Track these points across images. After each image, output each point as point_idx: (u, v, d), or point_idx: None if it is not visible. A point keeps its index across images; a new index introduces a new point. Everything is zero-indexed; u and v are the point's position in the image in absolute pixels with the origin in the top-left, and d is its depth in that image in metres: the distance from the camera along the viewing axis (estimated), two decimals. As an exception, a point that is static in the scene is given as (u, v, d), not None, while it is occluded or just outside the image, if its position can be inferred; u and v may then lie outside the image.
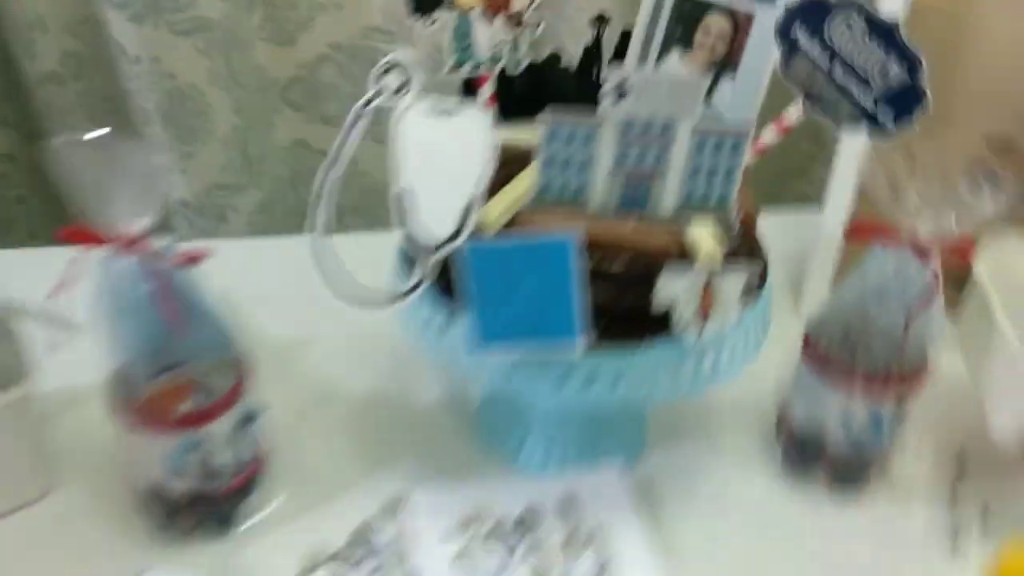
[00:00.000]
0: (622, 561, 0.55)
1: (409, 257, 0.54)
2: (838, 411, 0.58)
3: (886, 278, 0.54)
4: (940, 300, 0.53)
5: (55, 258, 0.46)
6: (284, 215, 1.31)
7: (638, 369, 0.47)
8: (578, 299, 0.44)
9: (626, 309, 0.47)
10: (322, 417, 0.66)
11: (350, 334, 0.71)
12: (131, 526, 0.56)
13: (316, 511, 0.58)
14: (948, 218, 0.51)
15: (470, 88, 0.56)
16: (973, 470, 0.63)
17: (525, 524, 0.57)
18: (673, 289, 0.45)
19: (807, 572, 0.55)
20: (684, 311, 0.45)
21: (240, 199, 1.30)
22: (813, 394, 0.59)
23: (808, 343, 0.59)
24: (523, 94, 0.55)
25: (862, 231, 0.54)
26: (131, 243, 0.47)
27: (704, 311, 0.46)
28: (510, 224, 0.48)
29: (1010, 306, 0.56)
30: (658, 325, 0.48)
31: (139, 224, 0.47)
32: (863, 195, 0.69)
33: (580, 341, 0.45)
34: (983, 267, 0.59)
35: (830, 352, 0.57)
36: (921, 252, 0.52)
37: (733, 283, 0.46)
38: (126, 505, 0.56)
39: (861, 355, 0.56)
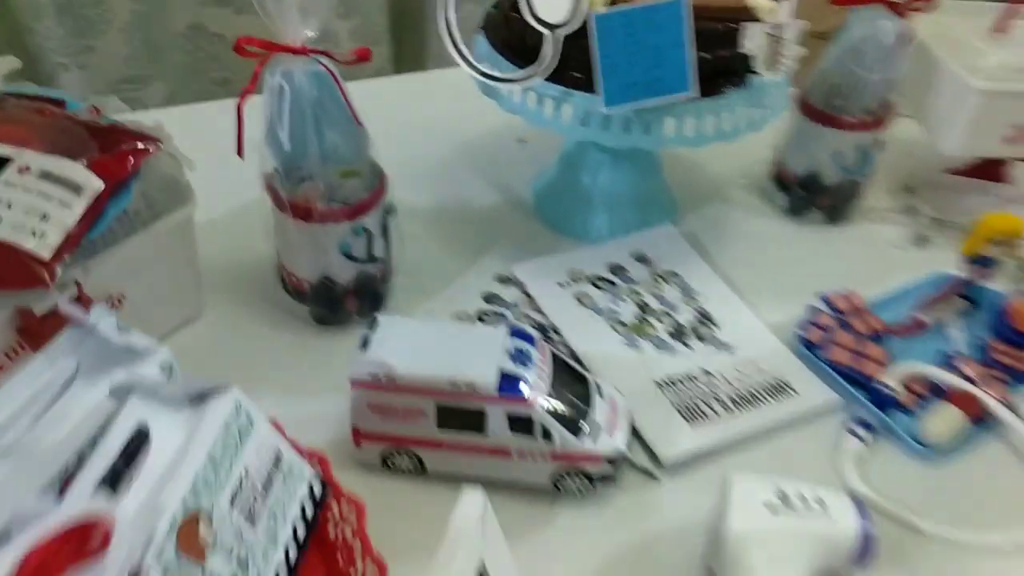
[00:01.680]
0: (701, 286, 0.69)
1: (506, 49, 0.63)
2: (831, 150, 0.74)
3: (866, 34, 0.69)
4: (907, 47, 0.70)
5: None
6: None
7: (735, 106, 0.60)
8: (688, 54, 0.56)
9: (711, 63, 0.59)
10: (407, 229, 0.74)
11: (401, 163, 0.79)
12: (291, 325, 0.64)
13: (443, 292, 0.68)
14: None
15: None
16: (925, 193, 0.82)
17: (616, 273, 0.69)
18: (753, 38, 0.58)
19: (821, 277, 0.70)
20: (761, 55, 0.58)
21: (147, 92, 1.28)
22: (810, 142, 0.75)
23: (804, 102, 0.74)
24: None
25: (848, -1, 0.69)
26: (303, 49, 0.53)
27: (774, 56, 0.59)
28: (614, 2, 0.58)
29: (944, 51, 0.74)
30: (734, 76, 0.61)
31: (306, 32, 0.53)
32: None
33: (691, 90, 0.57)
34: (919, 24, 0.75)
35: (824, 103, 0.73)
36: (893, 7, 0.68)
37: (791, 32, 0.59)
38: (282, 308, 0.64)
39: (846, 102, 0.72)
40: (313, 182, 0.58)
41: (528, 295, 0.67)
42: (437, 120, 0.88)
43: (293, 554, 0.37)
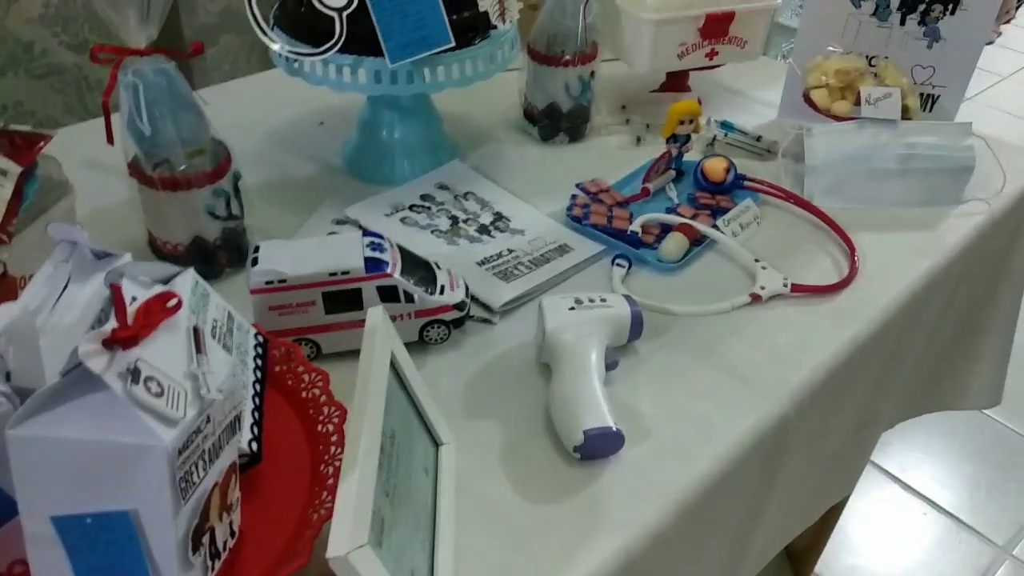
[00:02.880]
0: (491, 197, 0.90)
1: (300, 35, 0.80)
2: (562, 84, 0.98)
3: (565, -7, 0.94)
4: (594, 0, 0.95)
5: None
6: None
7: (483, 52, 0.81)
8: (444, 16, 0.76)
9: (461, 21, 0.79)
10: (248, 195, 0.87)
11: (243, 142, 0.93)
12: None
13: (294, 236, 0.83)
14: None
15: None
16: (636, 108, 1.08)
17: (426, 200, 0.88)
18: (485, 0, 0.79)
19: (575, 177, 0.93)
20: (493, 11, 0.80)
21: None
22: (543, 81, 0.98)
23: (533, 51, 0.97)
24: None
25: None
26: (148, 51, 0.66)
27: (502, 12, 0.81)
28: (379, -12, 0.77)
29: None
30: (477, 32, 0.82)
31: (147, 35, 0.66)
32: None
33: (451, 41, 0.77)
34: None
35: (547, 50, 0.96)
36: (578, -29, 0.93)
37: (511, -6, 0.82)
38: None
39: (563, 46, 0.96)
40: (169, 162, 0.71)
41: (363, 228, 0.84)
42: (238, 122, 1.02)
43: (260, 375, 0.51)
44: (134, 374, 0.35)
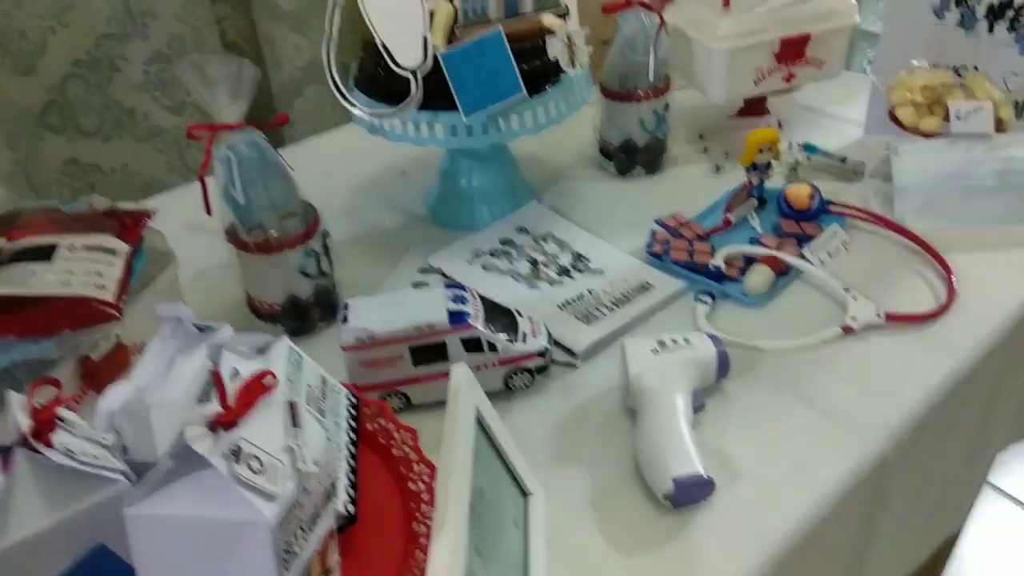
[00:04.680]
0: (570, 238, 0.90)
1: (379, 96, 0.83)
2: (636, 119, 0.98)
3: (634, 29, 0.94)
4: (665, 34, 0.95)
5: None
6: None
7: (554, 97, 0.82)
8: (514, 68, 0.78)
9: (532, 70, 0.81)
10: (336, 255, 0.90)
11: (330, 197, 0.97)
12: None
13: (379, 288, 0.85)
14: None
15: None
16: (714, 136, 1.07)
17: (506, 244, 0.90)
18: (554, 47, 0.80)
19: (654, 211, 0.93)
20: (563, 58, 0.81)
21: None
22: (618, 117, 0.98)
23: (605, 89, 0.98)
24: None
25: (613, 7, 0.93)
26: (239, 125, 0.71)
27: (571, 57, 0.82)
28: (449, 43, 0.79)
29: (692, 30, 0.99)
30: (548, 78, 0.83)
31: (238, 111, 0.70)
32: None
33: (522, 91, 0.79)
34: (669, 14, 1.01)
35: (619, 87, 0.97)
36: (647, 7, 0.93)
37: (578, 38, 0.82)
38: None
39: (635, 82, 0.96)
40: (263, 227, 0.75)
41: (446, 276, 0.86)
42: (324, 178, 1.06)
43: (353, 436, 0.54)
44: (236, 454, 0.37)
